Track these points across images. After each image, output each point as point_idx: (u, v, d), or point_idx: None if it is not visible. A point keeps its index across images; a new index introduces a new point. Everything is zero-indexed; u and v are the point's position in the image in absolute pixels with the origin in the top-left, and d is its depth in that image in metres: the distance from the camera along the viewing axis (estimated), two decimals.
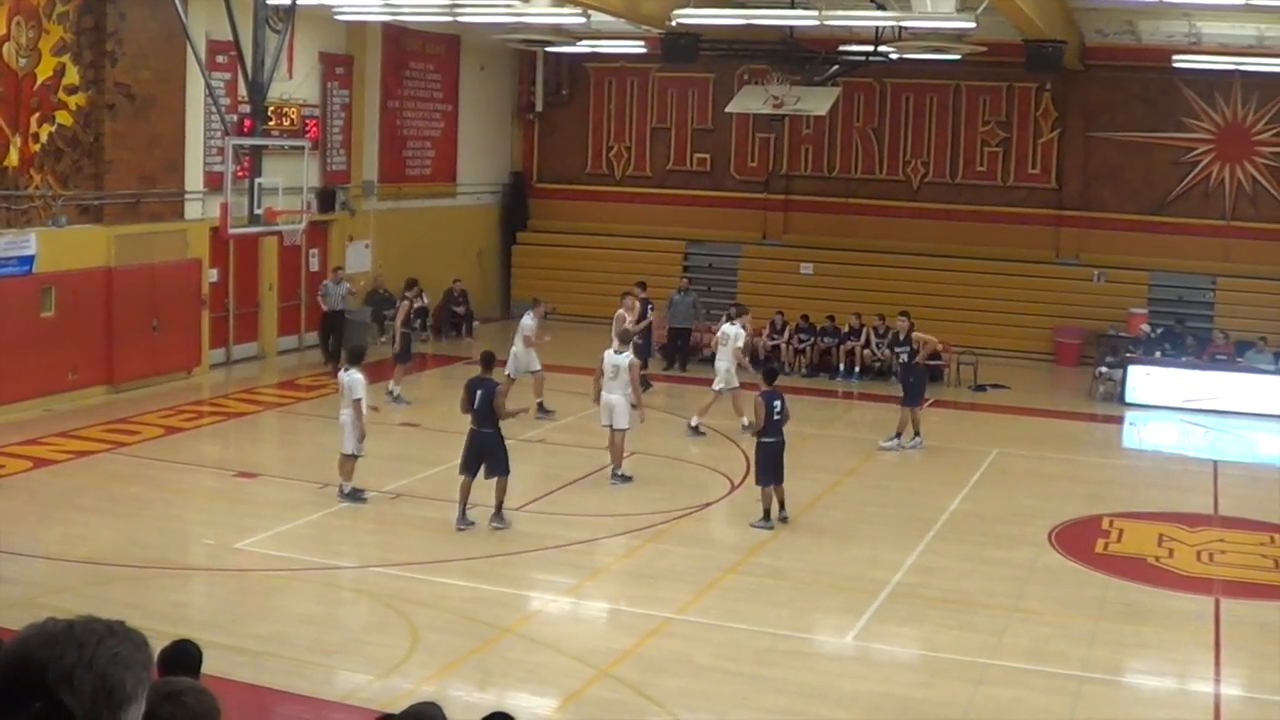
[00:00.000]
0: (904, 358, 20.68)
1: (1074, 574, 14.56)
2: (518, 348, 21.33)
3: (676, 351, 26.83)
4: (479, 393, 15.33)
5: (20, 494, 16.08)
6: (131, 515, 15.52)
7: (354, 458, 16.16)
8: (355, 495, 16.18)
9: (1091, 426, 23.56)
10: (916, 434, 20.25)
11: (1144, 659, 12.44)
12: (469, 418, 15.45)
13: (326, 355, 25.30)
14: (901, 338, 20.83)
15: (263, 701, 10.67)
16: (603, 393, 17.67)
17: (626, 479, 17.58)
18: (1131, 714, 11.15)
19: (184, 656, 6.59)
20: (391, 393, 21.89)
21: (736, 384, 20.81)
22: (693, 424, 20.76)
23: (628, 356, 17.81)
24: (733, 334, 21.12)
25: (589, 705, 10.75)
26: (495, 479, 15.30)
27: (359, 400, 15.94)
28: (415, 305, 28.51)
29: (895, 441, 20.24)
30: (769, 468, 15.91)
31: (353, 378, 16.09)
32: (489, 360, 15.88)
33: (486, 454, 15.30)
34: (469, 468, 15.34)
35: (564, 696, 10.86)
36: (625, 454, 17.78)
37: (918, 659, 12.13)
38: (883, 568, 14.44)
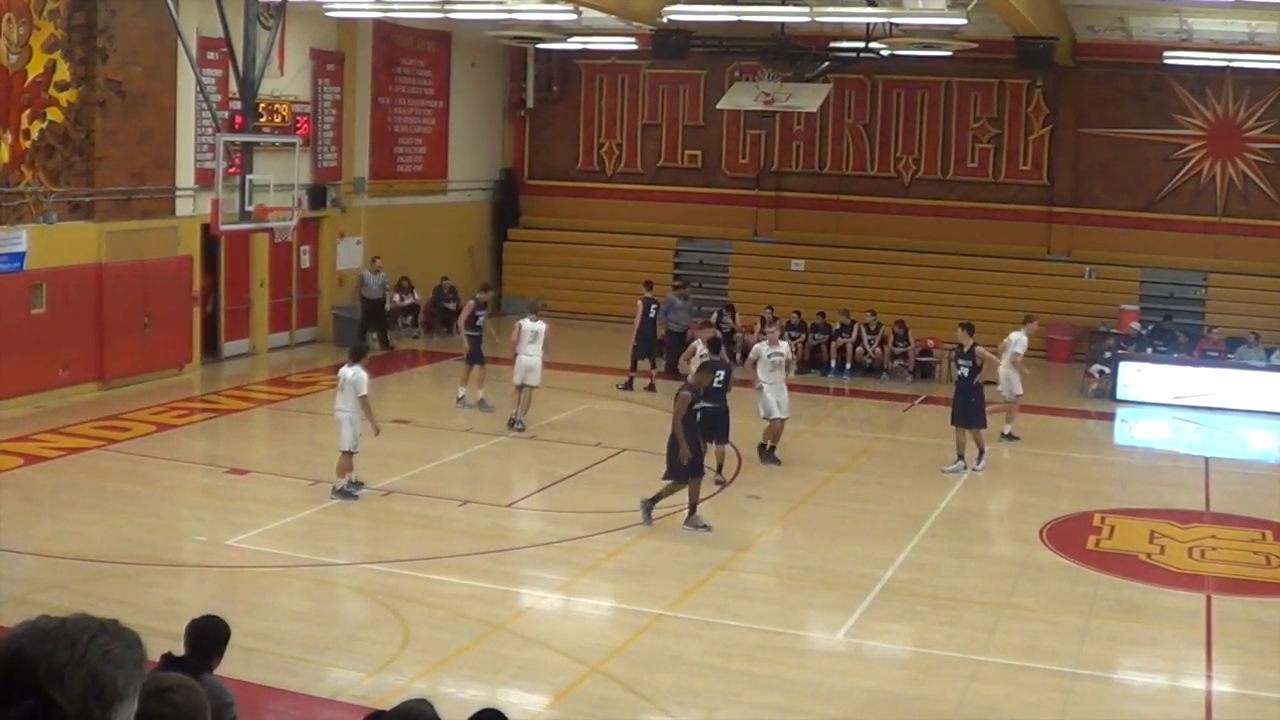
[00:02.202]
0: (964, 373, 19.00)
1: (1065, 571, 14.58)
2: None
3: (670, 353, 26.64)
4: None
5: (11, 491, 16.02)
6: (123, 512, 15.49)
7: (352, 454, 16.13)
8: (347, 492, 16.17)
9: (1083, 423, 23.61)
10: (982, 453, 18.98)
11: (1135, 656, 12.45)
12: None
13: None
14: (966, 350, 19.07)
15: (253, 698, 10.63)
16: (521, 355, 19.93)
17: (523, 428, 19.80)
18: (1123, 710, 11.18)
19: (213, 630, 6.68)
20: (461, 398, 21.55)
21: (1019, 391, 20.76)
22: (1005, 432, 20.70)
23: (542, 324, 20.15)
24: (1013, 340, 20.89)
25: (580, 702, 10.75)
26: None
27: (364, 396, 15.90)
28: (407, 302, 28.65)
29: (959, 464, 18.78)
30: (708, 430, 16.84)
31: (358, 374, 16.02)
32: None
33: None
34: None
35: (555, 693, 10.86)
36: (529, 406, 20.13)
37: (909, 656, 12.14)
38: (874, 564, 14.44)
